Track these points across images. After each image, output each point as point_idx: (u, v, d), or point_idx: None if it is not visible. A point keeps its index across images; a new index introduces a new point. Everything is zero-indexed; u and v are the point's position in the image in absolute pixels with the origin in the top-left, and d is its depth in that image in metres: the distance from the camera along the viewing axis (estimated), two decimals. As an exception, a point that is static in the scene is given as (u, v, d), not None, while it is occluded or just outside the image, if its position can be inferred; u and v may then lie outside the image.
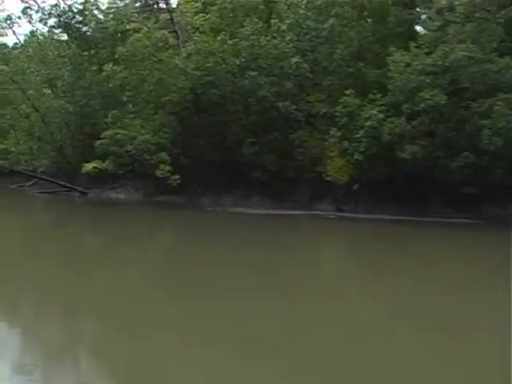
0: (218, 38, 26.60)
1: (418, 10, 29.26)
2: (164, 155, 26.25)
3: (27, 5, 44.15)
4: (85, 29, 35.78)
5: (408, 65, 25.20)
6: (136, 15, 27.59)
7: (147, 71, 26.19)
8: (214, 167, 29.73)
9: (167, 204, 29.69)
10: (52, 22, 44.01)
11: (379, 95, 26.67)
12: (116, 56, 26.46)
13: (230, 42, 26.51)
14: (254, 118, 28.58)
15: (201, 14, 27.63)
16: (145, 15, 27.84)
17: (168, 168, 25.99)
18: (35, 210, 28.44)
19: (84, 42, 34.83)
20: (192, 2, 28.86)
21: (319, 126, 27.76)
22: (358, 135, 26.08)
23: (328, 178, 25.89)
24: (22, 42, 42.26)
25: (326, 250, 19.66)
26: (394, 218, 24.90)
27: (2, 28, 42.87)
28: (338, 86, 27.80)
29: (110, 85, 27.47)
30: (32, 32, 44.52)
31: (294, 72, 27.13)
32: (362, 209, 26.86)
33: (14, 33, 44.17)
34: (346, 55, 27.43)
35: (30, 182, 45.28)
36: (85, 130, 34.20)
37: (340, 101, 26.73)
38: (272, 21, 27.90)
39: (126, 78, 26.38)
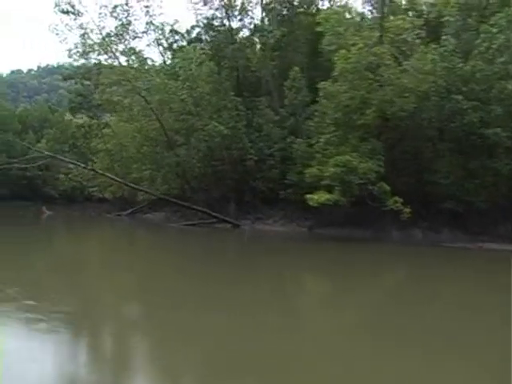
0: (429, 56, 24.61)
1: None
2: (384, 185, 23.75)
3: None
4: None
5: None
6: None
7: (359, 90, 23.74)
8: (401, 197, 27.41)
9: (345, 237, 27.03)
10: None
11: None
12: (335, 73, 23.97)
13: (439, 64, 24.50)
14: (451, 145, 26.55)
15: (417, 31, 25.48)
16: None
17: (401, 200, 23.42)
18: (214, 250, 25.00)
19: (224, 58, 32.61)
20: (409, 18, 26.88)
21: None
22: None
23: None
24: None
25: None
26: None
27: (109, 45, 40.13)
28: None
29: (333, 106, 24.63)
30: (131, 49, 41.86)
31: (505, 96, 25.28)
32: None
33: (112, 51, 41.33)
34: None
35: (128, 211, 42.12)
36: (232, 155, 31.47)
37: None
38: (476, 41, 26.13)
39: (352, 98, 23.82)
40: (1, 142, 70.67)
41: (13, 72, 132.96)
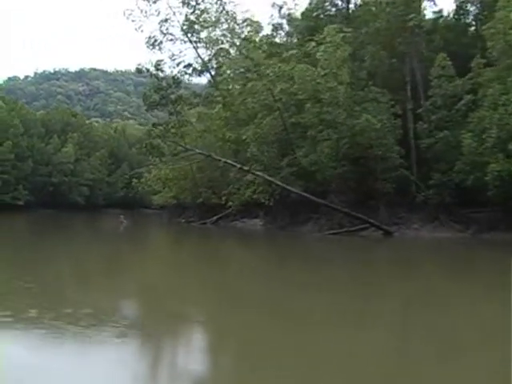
0: None
1: None
2: None
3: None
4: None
5: None
6: None
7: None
8: None
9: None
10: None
11: None
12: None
13: None
14: None
15: None
16: None
17: None
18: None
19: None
20: None
21: None
22: None
23: None
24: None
25: None
26: None
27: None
28: None
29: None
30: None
31: None
32: None
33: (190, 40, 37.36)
34: None
35: (213, 219, 37.80)
36: (377, 153, 27.48)
37: None
38: None
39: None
40: (26, 147, 65.44)
41: (10, 79, 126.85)
